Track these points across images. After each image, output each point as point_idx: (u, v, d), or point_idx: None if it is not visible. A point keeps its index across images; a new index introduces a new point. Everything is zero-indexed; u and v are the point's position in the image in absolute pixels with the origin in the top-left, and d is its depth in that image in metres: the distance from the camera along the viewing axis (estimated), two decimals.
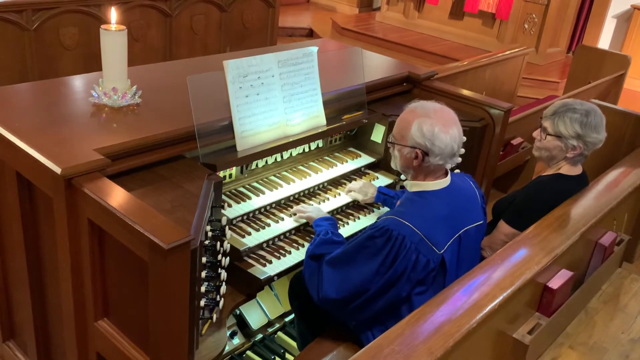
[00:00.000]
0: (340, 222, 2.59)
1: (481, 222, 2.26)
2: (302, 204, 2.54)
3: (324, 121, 2.66)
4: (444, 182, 2.16)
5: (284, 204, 2.56)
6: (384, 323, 2.09)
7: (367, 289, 2.05)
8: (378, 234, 2.04)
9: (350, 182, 2.81)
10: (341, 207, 2.67)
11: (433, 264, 2.05)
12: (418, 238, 2.02)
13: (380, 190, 2.65)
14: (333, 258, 2.13)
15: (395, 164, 2.24)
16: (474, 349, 1.84)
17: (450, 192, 2.17)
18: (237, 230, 2.33)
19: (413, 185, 2.18)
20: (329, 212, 2.59)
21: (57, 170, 1.77)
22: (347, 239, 2.39)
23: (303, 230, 2.50)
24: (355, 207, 2.72)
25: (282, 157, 2.70)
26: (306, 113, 2.59)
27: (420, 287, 2.08)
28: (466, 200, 2.22)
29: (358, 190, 2.69)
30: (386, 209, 2.67)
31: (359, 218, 2.65)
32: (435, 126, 2.07)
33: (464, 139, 2.18)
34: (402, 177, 2.95)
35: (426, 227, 2.05)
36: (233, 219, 2.34)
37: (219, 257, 1.97)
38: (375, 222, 2.12)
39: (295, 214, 2.48)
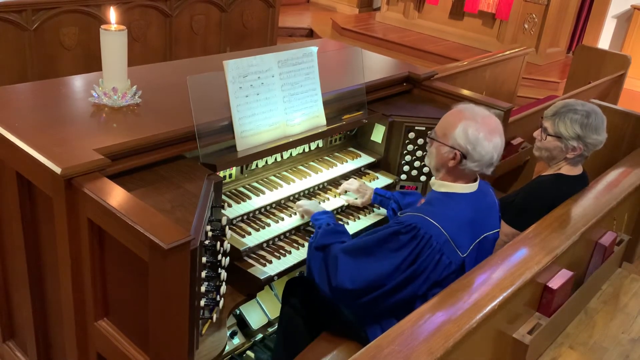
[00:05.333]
0: (340, 221, 2.59)
1: (498, 230, 2.26)
2: (302, 201, 2.54)
3: (324, 121, 2.66)
4: (473, 187, 2.15)
5: (284, 204, 2.56)
6: (398, 318, 2.08)
7: (383, 283, 2.04)
8: (404, 230, 2.02)
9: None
10: (341, 207, 2.67)
11: (454, 266, 2.05)
12: (444, 239, 2.02)
13: (376, 191, 2.64)
14: (351, 247, 2.11)
15: (429, 160, 2.22)
16: (474, 349, 1.84)
17: (477, 197, 2.16)
18: (237, 230, 2.33)
19: (441, 186, 2.16)
20: None
21: (57, 170, 1.76)
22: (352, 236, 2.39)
23: (303, 230, 2.50)
24: (355, 207, 2.72)
25: (282, 157, 2.70)
26: (306, 113, 2.59)
27: (438, 288, 2.06)
28: (488, 207, 2.21)
29: (355, 191, 2.67)
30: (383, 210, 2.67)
31: (359, 218, 2.65)
32: (481, 132, 2.05)
33: None
34: (403, 177, 2.96)
35: (453, 228, 2.04)
36: (233, 219, 2.34)
37: (219, 257, 1.97)
38: (399, 217, 2.09)
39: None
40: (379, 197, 2.63)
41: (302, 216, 2.47)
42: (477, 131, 2.05)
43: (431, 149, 2.19)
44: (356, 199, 2.67)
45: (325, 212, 2.39)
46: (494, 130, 2.09)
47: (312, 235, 2.30)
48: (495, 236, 2.25)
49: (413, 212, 2.08)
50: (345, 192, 2.70)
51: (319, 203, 2.60)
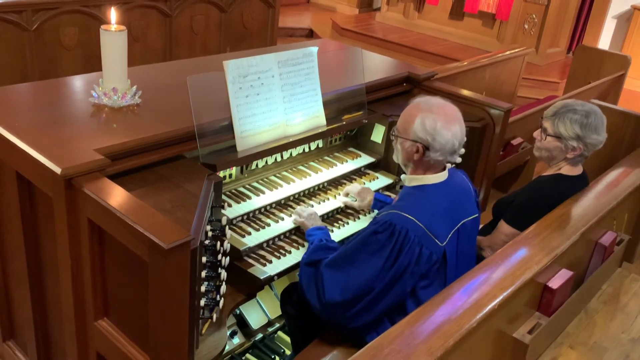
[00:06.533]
0: (340, 222, 2.59)
1: (476, 215, 2.27)
2: (302, 206, 2.54)
3: (323, 121, 2.66)
4: (442, 176, 2.17)
5: (284, 204, 2.56)
6: (391, 321, 2.08)
7: (372, 287, 2.03)
8: (381, 229, 2.03)
9: (351, 182, 2.81)
10: (341, 207, 2.67)
11: (436, 256, 2.06)
12: (421, 231, 2.02)
13: (377, 197, 2.63)
14: (333, 260, 2.11)
15: (396, 157, 2.25)
16: (474, 349, 1.84)
17: (449, 185, 2.18)
18: (237, 230, 2.33)
19: (412, 180, 2.19)
20: (328, 212, 2.59)
21: (57, 170, 1.77)
22: (346, 241, 2.39)
23: (303, 230, 2.49)
24: (354, 208, 2.71)
25: (282, 157, 2.70)
26: (306, 113, 2.59)
27: (424, 281, 2.08)
28: (462, 194, 2.23)
29: (356, 194, 2.66)
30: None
31: (358, 218, 2.65)
32: (438, 122, 2.08)
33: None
34: (403, 177, 2.95)
35: (428, 220, 2.05)
36: (233, 219, 2.34)
37: (219, 256, 1.97)
38: (376, 217, 2.10)
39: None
40: (379, 203, 2.62)
41: (295, 223, 2.47)
42: (434, 121, 2.08)
43: (396, 145, 2.22)
44: (355, 200, 2.67)
45: (319, 228, 2.38)
46: (452, 119, 2.11)
47: (304, 252, 2.30)
48: (475, 221, 2.26)
49: (387, 210, 2.10)
50: (347, 194, 2.69)
51: (319, 203, 2.61)
